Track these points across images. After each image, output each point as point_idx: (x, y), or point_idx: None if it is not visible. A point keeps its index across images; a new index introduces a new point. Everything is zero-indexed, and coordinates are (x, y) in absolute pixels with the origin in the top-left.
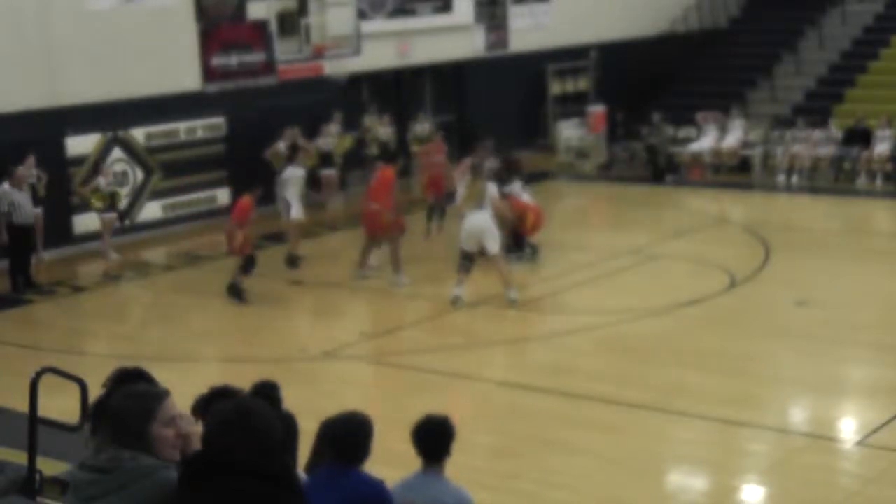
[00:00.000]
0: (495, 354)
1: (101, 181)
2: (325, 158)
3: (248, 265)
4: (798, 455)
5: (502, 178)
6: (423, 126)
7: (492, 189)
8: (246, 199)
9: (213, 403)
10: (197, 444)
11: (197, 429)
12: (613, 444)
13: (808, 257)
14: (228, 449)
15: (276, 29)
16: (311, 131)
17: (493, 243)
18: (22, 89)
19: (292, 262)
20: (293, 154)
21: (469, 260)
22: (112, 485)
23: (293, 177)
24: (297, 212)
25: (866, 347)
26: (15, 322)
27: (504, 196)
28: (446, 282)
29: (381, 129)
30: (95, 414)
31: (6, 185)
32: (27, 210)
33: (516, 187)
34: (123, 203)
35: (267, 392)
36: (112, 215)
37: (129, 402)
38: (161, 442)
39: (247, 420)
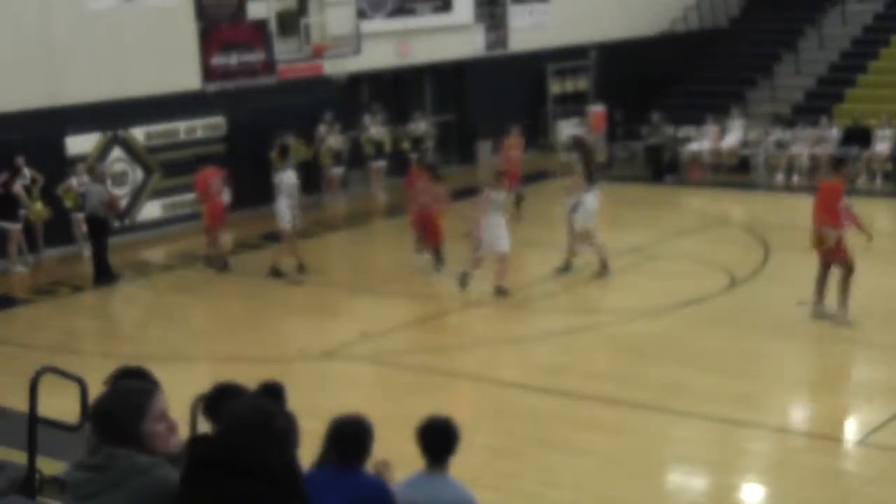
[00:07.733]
0: (495, 354)
1: (74, 181)
2: (336, 157)
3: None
4: (798, 455)
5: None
6: (418, 125)
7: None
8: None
9: (222, 402)
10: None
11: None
12: (613, 444)
13: (808, 257)
14: (249, 451)
15: (276, 29)
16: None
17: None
18: (22, 89)
19: (276, 273)
20: (284, 156)
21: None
22: (107, 483)
23: (283, 182)
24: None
25: (866, 347)
26: (15, 322)
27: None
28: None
29: (375, 128)
30: (93, 413)
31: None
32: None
33: None
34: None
35: (272, 394)
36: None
37: (120, 400)
38: (154, 437)
39: (271, 426)
